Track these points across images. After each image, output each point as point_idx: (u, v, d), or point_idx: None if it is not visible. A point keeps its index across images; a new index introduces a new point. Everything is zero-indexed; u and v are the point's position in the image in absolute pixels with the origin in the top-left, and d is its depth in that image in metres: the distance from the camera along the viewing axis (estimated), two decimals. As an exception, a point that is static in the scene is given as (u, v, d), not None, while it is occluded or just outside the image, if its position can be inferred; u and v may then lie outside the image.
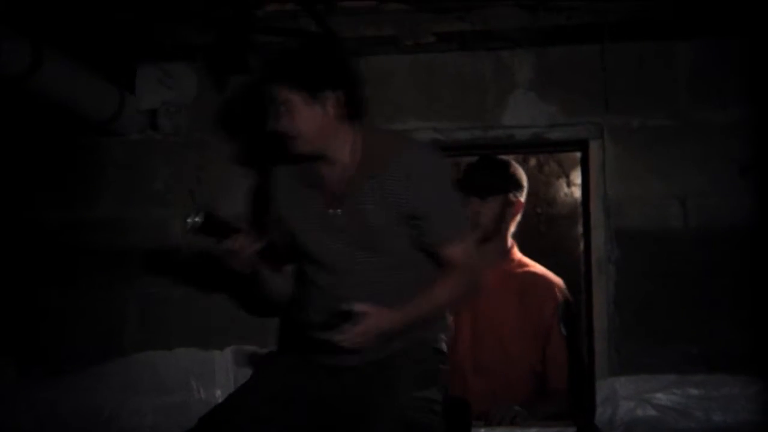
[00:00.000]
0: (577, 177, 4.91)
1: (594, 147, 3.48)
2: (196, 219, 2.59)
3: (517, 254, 3.86)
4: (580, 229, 4.19)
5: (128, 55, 3.50)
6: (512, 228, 3.84)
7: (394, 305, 2.60)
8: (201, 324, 3.52)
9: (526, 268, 3.82)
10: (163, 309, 3.57)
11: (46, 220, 3.67)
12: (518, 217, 3.85)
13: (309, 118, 2.63)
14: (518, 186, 3.80)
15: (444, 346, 2.87)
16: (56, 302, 3.63)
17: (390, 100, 3.60)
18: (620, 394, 3.25)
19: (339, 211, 2.69)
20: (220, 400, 2.98)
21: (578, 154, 3.74)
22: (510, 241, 3.86)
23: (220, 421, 2.63)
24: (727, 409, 3.18)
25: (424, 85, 3.60)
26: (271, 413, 2.67)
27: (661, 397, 3.23)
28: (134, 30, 3.20)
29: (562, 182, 5.29)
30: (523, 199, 3.83)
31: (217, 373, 3.33)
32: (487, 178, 3.76)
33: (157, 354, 3.49)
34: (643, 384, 3.27)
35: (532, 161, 5.30)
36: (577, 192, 4.99)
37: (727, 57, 3.41)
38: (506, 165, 3.82)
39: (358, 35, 3.37)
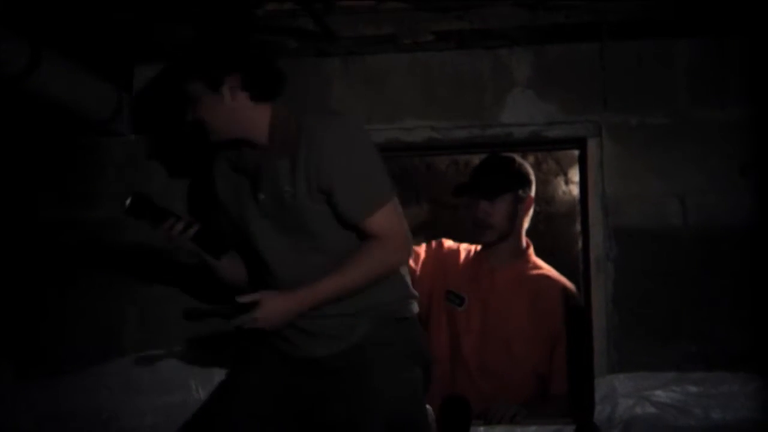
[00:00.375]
0: (575, 175, 4.91)
1: (592, 145, 3.48)
2: (126, 202, 2.65)
3: (533, 255, 3.85)
4: (578, 227, 4.19)
5: (126, 55, 3.50)
6: (525, 224, 3.84)
7: None
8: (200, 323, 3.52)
9: (540, 271, 3.81)
10: (163, 309, 3.56)
11: (46, 219, 3.67)
12: (530, 213, 3.86)
13: (211, 107, 2.61)
14: (526, 181, 3.80)
15: (411, 309, 2.81)
16: (55, 302, 3.62)
17: (388, 99, 3.60)
18: (619, 392, 3.25)
19: (262, 195, 2.66)
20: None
21: (576, 152, 3.74)
22: (525, 240, 3.86)
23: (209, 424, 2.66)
24: (726, 407, 3.18)
25: (422, 84, 3.61)
26: (257, 414, 2.69)
27: (660, 395, 3.23)
28: (133, 30, 3.20)
29: (561, 180, 5.30)
30: (533, 193, 3.84)
31: (216, 374, 3.32)
32: (494, 177, 3.76)
33: (158, 354, 3.49)
34: (642, 381, 3.27)
35: (530, 159, 5.29)
36: (575, 190, 4.99)
37: (727, 56, 3.41)
38: (511, 161, 3.81)
39: (356, 34, 3.37)
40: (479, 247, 3.89)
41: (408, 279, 2.83)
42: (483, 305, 3.69)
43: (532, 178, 3.85)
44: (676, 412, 3.20)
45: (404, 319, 2.77)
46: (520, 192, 3.77)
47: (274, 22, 3.27)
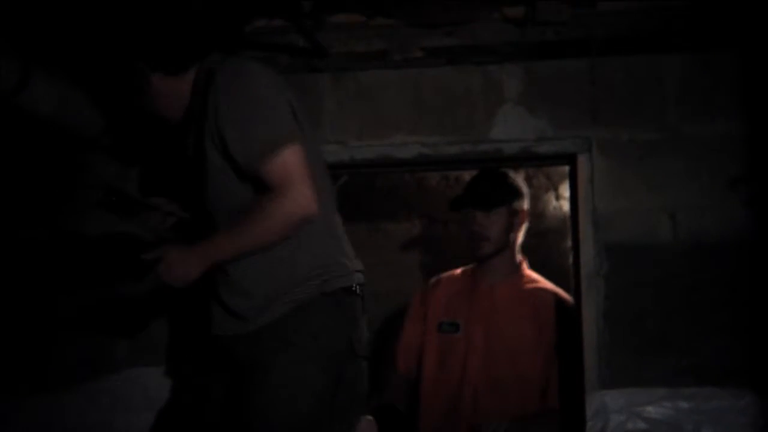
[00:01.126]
0: (565, 190, 4.92)
1: (582, 160, 3.49)
2: (100, 195, 2.63)
3: (527, 269, 3.88)
4: (569, 242, 4.20)
5: (118, 72, 3.49)
6: (519, 238, 3.88)
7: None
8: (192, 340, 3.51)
9: (537, 284, 3.84)
10: (153, 326, 3.55)
11: (34, 235, 3.64)
12: (524, 228, 3.88)
13: (150, 97, 2.61)
14: (520, 194, 3.84)
15: (341, 282, 2.56)
16: (44, 319, 3.60)
17: (379, 115, 3.61)
18: (610, 408, 3.24)
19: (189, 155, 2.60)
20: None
21: (567, 168, 3.75)
22: (519, 256, 3.88)
23: None
24: (717, 423, 3.18)
25: (412, 100, 3.61)
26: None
27: (651, 411, 3.23)
28: (124, 48, 3.19)
29: (551, 196, 5.30)
30: (526, 207, 3.86)
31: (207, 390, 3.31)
32: (488, 190, 3.79)
33: (147, 370, 3.47)
34: (633, 397, 3.26)
35: (521, 175, 5.30)
36: (565, 205, 5.00)
37: (716, 70, 3.42)
38: (504, 175, 3.85)
39: (346, 50, 3.37)
40: (473, 267, 3.91)
41: (329, 246, 2.60)
42: (485, 323, 3.70)
43: (526, 192, 3.88)
44: (667, 428, 3.20)
45: (311, 305, 2.50)
46: (515, 205, 3.80)
47: (264, 38, 3.27)
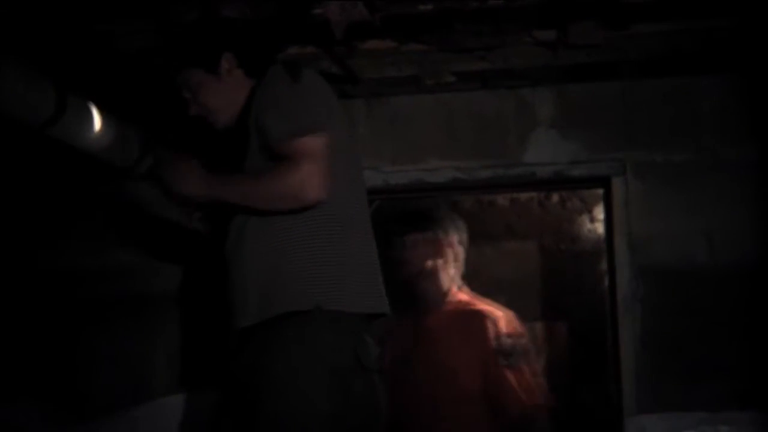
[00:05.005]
0: (600, 213, 4.89)
1: (617, 183, 3.47)
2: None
3: (459, 295, 3.87)
4: (604, 265, 4.17)
5: (149, 99, 3.52)
6: (449, 270, 3.86)
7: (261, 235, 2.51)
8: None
9: (465, 307, 3.83)
10: (191, 352, 3.56)
11: (76, 267, 3.67)
12: (452, 258, 3.86)
13: (213, 89, 2.65)
14: (442, 225, 3.86)
15: (347, 308, 2.50)
16: (83, 348, 3.63)
17: (412, 140, 3.61)
18: (650, 432, 3.22)
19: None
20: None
21: (601, 190, 3.73)
22: (447, 284, 3.86)
23: None
24: (758, 447, 3.15)
25: (445, 124, 3.61)
26: None
27: (691, 435, 3.20)
28: (155, 76, 3.22)
29: (585, 218, 5.28)
30: (456, 239, 3.84)
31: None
32: (410, 217, 3.86)
33: (179, 398, 3.48)
34: (673, 422, 3.25)
35: (555, 198, 5.29)
36: (600, 228, 4.97)
37: (752, 92, 3.40)
38: (434, 207, 3.95)
39: (378, 76, 3.38)
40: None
41: (330, 258, 2.52)
42: (422, 358, 3.70)
43: (458, 225, 3.91)
44: (708, 452, 3.16)
45: (305, 313, 2.46)
46: (438, 233, 3.82)
47: (297, 65, 3.29)
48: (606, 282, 3.79)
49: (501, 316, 3.74)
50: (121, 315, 3.61)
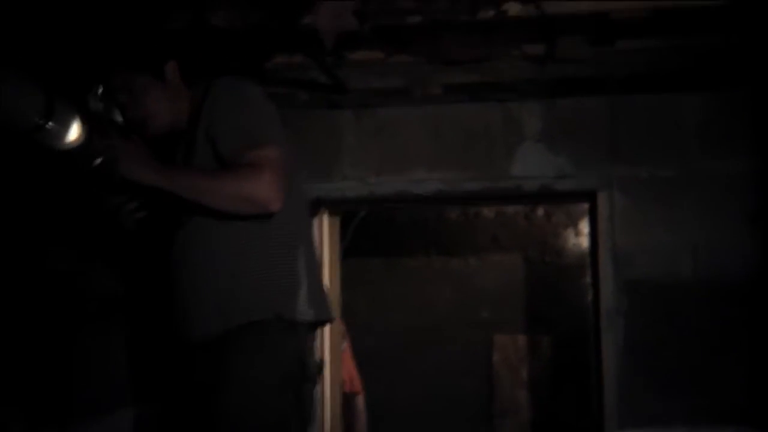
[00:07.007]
0: (585, 226, 4.90)
1: (602, 198, 3.49)
2: (96, 161, 2.55)
3: None
4: (587, 279, 4.18)
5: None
6: None
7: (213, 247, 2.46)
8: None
9: None
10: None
11: (56, 269, 3.65)
12: None
13: (157, 96, 2.58)
14: None
15: (298, 314, 2.49)
16: (65, 352, 3.61)
17: (399, 151, 3.62)
18: (630, 447, 3.23)
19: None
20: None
21: (587, 204, 3.74)
22: None
23: None
24: (738, 462, 3.16)
25: (432, 136, 3.62)
26: None
27: (671, 450, 3.21)
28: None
29: (570, 232, 5.29)
30: None
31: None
32: None
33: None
34: (653, 436, 3.25)
35: (540, 211, 5.30)
36: (585, 242, 4.99)
37: (735, 108, 3.43)
38: None
39: (367, 87, 3.38)
40: None
41: (299, 283, 2.53)
42: None
43: None
44: (687, 467, 3.17)
45: (263, 321, 2.45)
46: None
47: (284, 74, 3.29)
48: (589, 295, 3.80)
49: None
50: (103, 319, 3.59)
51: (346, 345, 4.67)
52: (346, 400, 4.41)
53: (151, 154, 2.48)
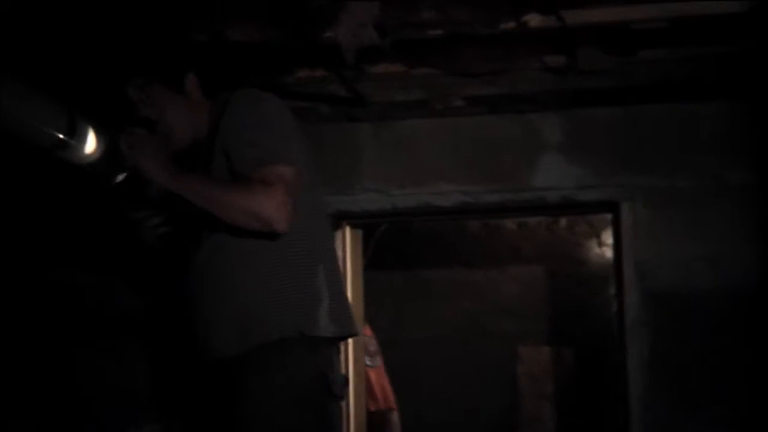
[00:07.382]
0: (608, 237, 4.89)
1: (625, 208, 3.48)
2: (119, 177, 2.57)
3: None
4: (610, 290, 4.17)
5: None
6: None
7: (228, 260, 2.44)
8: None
9: None
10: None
11: (68, 280, 3.65)
12: None
13: (176, 109, 2.57)
14: None
15: (321, 330, 2.45)
16: (83, 365, 3.61)
17: (420, 164, 3.62)
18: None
19: None
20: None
21: (609, 215, 3.73)
22: None
23: None
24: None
25: (453, 148, 3.62)
26: None
27: (696, 461, 3.19)
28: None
29: (593, 243, 5.27)
30: None
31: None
32: None
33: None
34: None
35: (563, 222, 5.29)
36: (608, 252, 4.97)
37: (753, 118, 3.41)
38: None
39: (387, 100, 3.39)
40: None
41: (312, 292, 2.49)
42: None
43: None
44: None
45: (286, 340, 2.42)
46: None
47: (305, 88, 3.30)
48: (613, 307, 3.79)
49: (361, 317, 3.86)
50: (117, 333, 3.60)
51: (379, 360, 4.70)
52: (382, 417, 4.39)
53: (170, 156, 2.49)
